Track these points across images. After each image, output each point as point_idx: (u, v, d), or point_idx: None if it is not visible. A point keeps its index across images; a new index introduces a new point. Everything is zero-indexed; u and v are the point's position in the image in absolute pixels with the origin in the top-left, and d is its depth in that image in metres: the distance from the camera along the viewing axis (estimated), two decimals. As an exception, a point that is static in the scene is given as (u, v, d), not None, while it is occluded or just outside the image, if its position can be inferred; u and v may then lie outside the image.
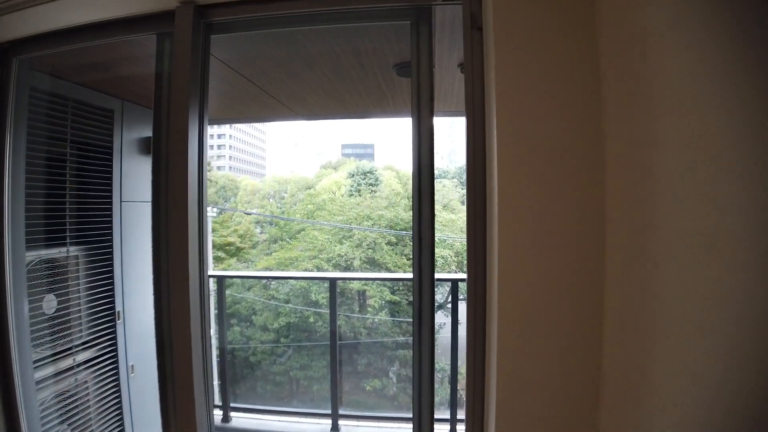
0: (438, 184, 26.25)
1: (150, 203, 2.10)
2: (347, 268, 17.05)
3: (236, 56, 2.72)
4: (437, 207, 20.42)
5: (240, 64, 2.87)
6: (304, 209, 22.05)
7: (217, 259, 19.66)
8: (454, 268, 17.46)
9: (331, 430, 4.29)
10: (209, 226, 15.93)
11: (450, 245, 17.96)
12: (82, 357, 3.07)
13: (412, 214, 1.85)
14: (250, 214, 23.66)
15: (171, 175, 1.96)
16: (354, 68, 2.96)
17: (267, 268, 18.69)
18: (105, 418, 3.24)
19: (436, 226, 16.75)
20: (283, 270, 17.93)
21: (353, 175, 35.08)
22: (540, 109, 1.46)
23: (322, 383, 15.06)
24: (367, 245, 17.47)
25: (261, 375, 15.91)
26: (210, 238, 15.93)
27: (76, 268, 3.03)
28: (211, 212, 16.46)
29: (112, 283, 3.32)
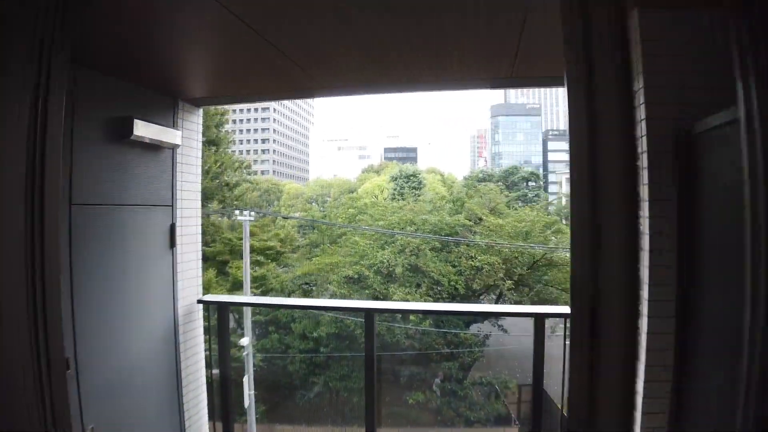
0: (483, 188, 25.31)
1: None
2: (389, 276, 16.22)
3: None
4: (484, 212, 19.57)
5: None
6: (345, 213, 21.59)
7: (257, 263, 19.31)
8: (501, 275, 16.44)
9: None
10: (247, 230, 15.62)
11: (498, 251, 16.75)
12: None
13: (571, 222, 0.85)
14: (287, 218, 23.18)
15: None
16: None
17: (307, 274, 18.16)
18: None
19: (482, 231, 15.81)
20: (323, 274, 17.32)
21: (396, 179, 34.56)
22: None
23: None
24: (410, 251, 16.45)
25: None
26: (248, 243, 15.53)
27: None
28: (248, 216, 15.98)
29: (59, 319, 2.40)
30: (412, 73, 3.06)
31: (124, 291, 3.03)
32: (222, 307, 3.84)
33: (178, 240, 3.55)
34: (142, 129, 2.99)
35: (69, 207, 2.51)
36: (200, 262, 3.81)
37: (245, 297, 10.66)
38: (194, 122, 3.74)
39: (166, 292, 3.43)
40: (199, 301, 3.74)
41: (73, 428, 2.49)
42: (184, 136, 3.55)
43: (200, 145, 3.79)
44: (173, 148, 3.41)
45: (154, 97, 3.30)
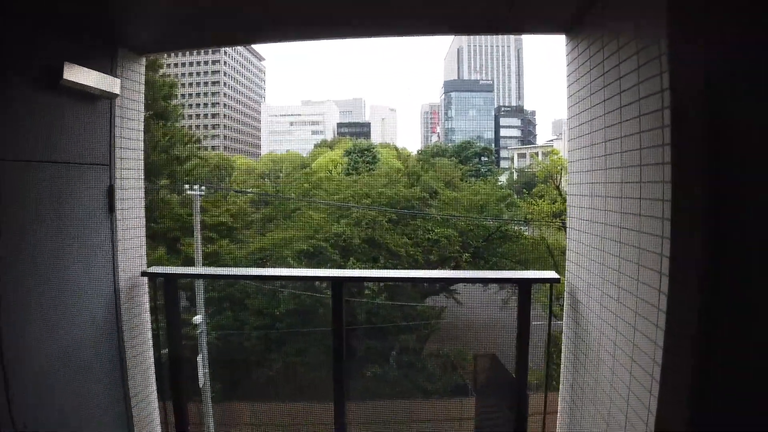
0: (438, 162, 25.49)
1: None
2: (346, 248, 16.00)
3: None
4: (440, 185, 19.63)
5: None
6: (299, 188, 21.19)
7: (209, 240, 18.71)
8: (458, 248, 16.61)
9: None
10: (197, 205, 14.97)
11: (454, 224, 16.82)
12: None
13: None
14: (240, 192, 22.45)
15: None
16: None
17: (262, 249, 17.67)
18: None
19: (438, 204, 15.91)
20: (277, 250, 16.94)
21: (350, 153, 34.18)
22: None
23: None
24: (366, 224, 16.32)
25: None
26: (198, 218, 14.91)
27: None
28: (198, 191, 15.27)
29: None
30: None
31: (55, 265, 2.63)
32: (170, 279, 3.46)
33: (118, 204, 3.14)
34: (74, 74, 2.56)
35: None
36: (144, 229, 3.40)
37: (197, 268, 10.06)
38: (136, 71, 3.28)
39: (105, 264, 3.03)
40: (144, 274, 3.34)
41: (3, 429, 2.16)
42: (124, 86, 3.11)
43: (142, 97, 3.35)
44: (111, 98, 2.97)
45: (88, 41, 2.86)
